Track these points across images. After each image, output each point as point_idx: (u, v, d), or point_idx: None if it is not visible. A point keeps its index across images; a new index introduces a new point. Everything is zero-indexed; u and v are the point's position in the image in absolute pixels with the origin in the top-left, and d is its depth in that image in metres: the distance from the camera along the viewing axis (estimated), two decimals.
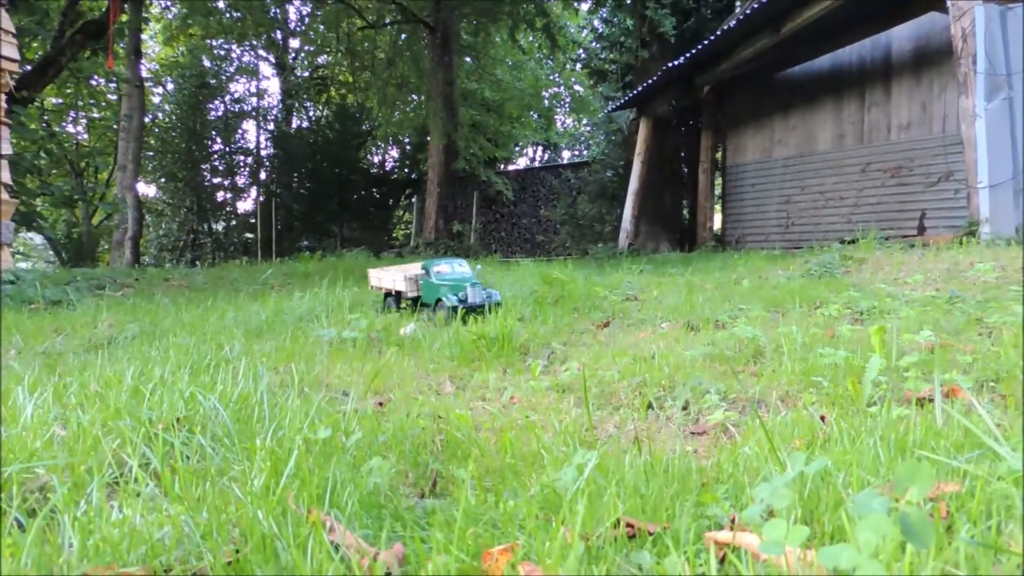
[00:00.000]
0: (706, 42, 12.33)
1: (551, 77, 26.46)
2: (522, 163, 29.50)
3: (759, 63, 13.04)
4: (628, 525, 1.40)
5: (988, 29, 8.47)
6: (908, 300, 5.17)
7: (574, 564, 1.14)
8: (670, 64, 13.24)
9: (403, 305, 6.34)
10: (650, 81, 13.87)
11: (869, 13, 10.78)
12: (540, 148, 30.10)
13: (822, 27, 11.27)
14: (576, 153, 28.02)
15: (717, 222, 15.73)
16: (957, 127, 9.68)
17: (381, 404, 3.07)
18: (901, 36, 11.15)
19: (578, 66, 22.86)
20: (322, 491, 1.65)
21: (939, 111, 10.55)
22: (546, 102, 26.98)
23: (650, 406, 2.93)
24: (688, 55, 12.72)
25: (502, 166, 25.28)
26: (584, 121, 28.13)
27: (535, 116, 26.49)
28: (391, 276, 6.59)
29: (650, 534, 1.38)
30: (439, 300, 5.79)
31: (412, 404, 2.95)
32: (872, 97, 11.70)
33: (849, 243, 8.89)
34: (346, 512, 1.55)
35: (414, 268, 6.70)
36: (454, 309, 5.51)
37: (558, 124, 29.17)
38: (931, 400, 2.64)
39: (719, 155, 15.55)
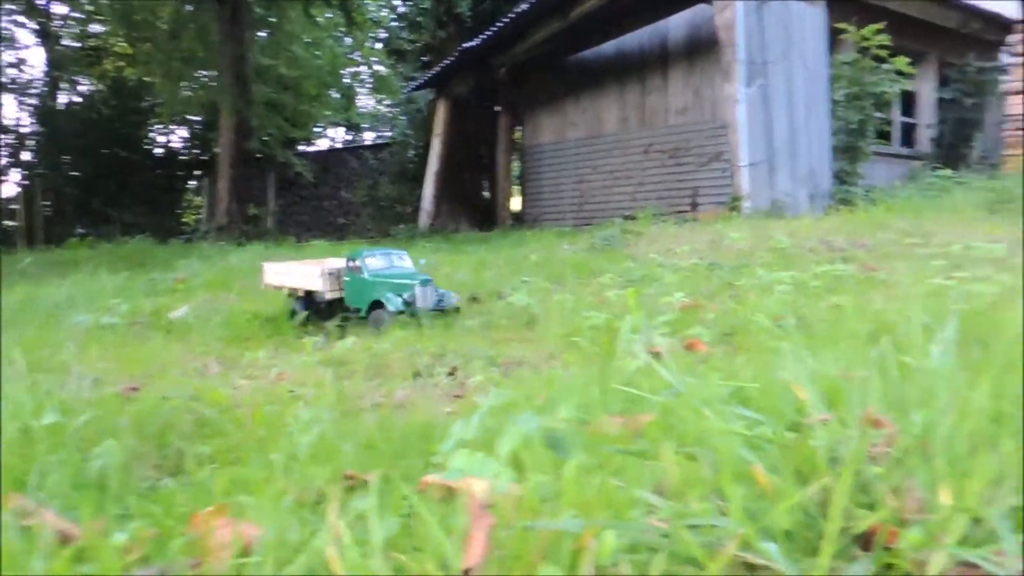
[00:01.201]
0: (500, 24, 12.51)
1: (351, 55, 25.80)
2: (324, 144, 28.59)
3: (552, 46, 13.44)
4: (349, 477, 1.41)
5: (747, 21, 9.25)
6: (675, 268, 5.55)
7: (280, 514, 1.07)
8: (466, 45, 13.32)
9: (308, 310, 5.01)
10: (447, 62, 13.88)
11: (648, 2, 11.42)
12: (343, 129, 29.33)
13: (607, 14, 11.80)
14: (379, 134, 27.59)
15: (519, 202, 16.13)
16: (724, 111, 10.52)
17: (135, 389, 2.84)
18: (677, 25, 11.92)
19: (378, 45, 22.47)
20: (25, 476, 1.51)
21: (710, 96, 11.40)
22: (347, 81, 26.29)
23: (419, 374, 2.90)
24: (483, 36, 12.86)
25: (302, 147, 24.35)
26: (387, 102, 27.76)
27: (336, 95, 25.74)
28: (300, 271, 5.25)
29: (366, 483, 1.35)
30: (377, 304, 4.65)
31: (171, 387, 2.76)
32: (652, 82, 12.44)
33: (630, 219, 9.43)
34: (59, 497, 1.43)
35: (333, 263, 5.33)
36: (400, 315, 4.47)
37: (361, 105, 28.55)
38: (674, 353, 2.80)
39: (517, 136, 15.90)
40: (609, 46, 13.18)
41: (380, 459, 1.42)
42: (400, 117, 20.15)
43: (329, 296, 4.96)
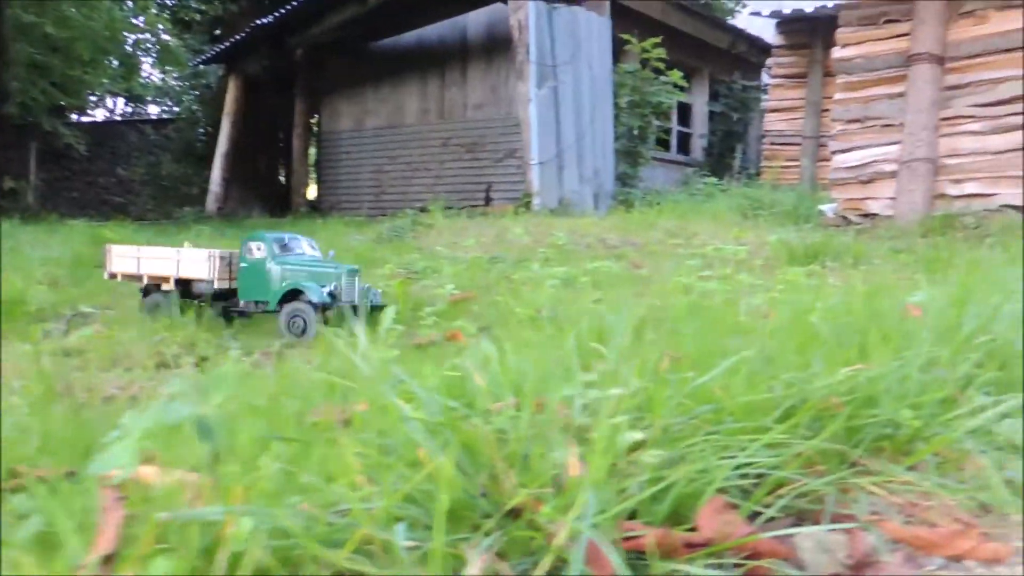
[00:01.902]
0: (296, 4, 12.06)
1: (133, 20, 23.73)
2: (100, 115, 26.09)
3: (351, 31, 13.16)
4: (18, 474, 1.29)
5: (538, 24, 9.60)
6: (457, 260, 5.65)
7: None
8: (260, 21, 12.71)
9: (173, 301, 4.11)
10: (239, 37, 13.18)
11: None
12: (123, 100, 26.91)
13: (407, 3, 11.74)
14: (165, 108, 25.62)
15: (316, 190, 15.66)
16: (517, 110, 10.86)
17: None
18: (477, 21, 12.12)
19: (164, 12, 20.82)
20: None
21: (506, 94, 11.71)
22: (128, 48, 24.13)
23: (165, 365, 2.74)
24: (277, 14, 12.34)
25: (74, 116, 22.06)
26: (175, 75, 25.83)
27: (115, 63, 23.55)
28: (173, 256, 4.40)
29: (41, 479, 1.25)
30: (290, 295, 4.00)
31: None
32: (451, 76, 12.57)
33: (422, 211, 9.49)
34: None
35: (215, 250, 4.47)
36: (323, 309, 3.83)
37: (146, 75, 26.32)
38: (433, 343, 2.86)
39: (315, 121, 15.43)
40: (411, 36, 13.14)
41: (66, 454, 1.32)
42: (189, 92, 18.86)
43: (218, 286, 4.25)
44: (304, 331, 3.79)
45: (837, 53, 8.11)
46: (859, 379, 1.26)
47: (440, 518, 0.74)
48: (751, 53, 14.91)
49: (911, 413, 1.21)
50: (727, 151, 14.34)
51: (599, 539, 0.80)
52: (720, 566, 0.94)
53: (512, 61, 10.96)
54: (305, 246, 4.55)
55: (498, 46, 11.73)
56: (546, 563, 0.79)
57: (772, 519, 1.09)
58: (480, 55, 12.14)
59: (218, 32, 15.68)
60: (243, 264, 4.23)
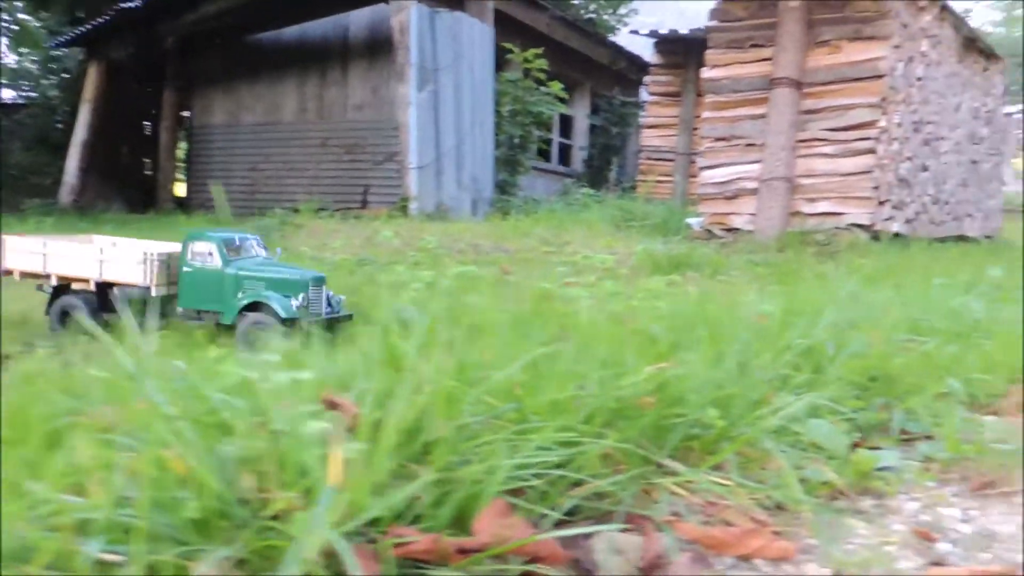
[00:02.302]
0: None
1: None
2: None
3: (227, 22, 12.62)
4: None
5: (421, 26, 9.51)
6: (323, 262, 5.47)
7: None
8: (125, 5, 11.99)
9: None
10: (102, 20, 12.38)
11: None
12: None
13: None
14: (20, 92, 23.77)
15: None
16: (397, 113, 10.71)
17: None
18: (359, 21, 11.88)
19: None
20: None
21: (387, 96, 11.52)
22: None
23: None
24: None
25: None
26: (34, 57, 24.03)
27: None
28: (91, 253, 3.63)
29: None
30: (251, 307, 3.48)
31: None
32: (332, 75, 12.27)
33: (294, 211, 9.19)
34: None
35: (151, 246, 3.76)
36: (289, 323, 3.31)
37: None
38: None
39: (187, 114, 14.70)
40: (291, 31, 12.74)
41: None
42: (47, 76, 17.58)
43: (156, 293, 3.55)
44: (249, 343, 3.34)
45: (706, 73, 8.45)
46: (666, 378, 1.25)
47: (184, 526, 0.65)
48: (631, 70, 15.36)
49: (716, 412, 1.21)
50: (606, 164, 14.71)
51: (344, 547, 0.73)
52: (504, 572, 0.89)
53: (393, 63, 10.81)
54: (255, 246, 3.97)
55: (380, 47, 11.55)
56: (292, 572, 0.71)
57: (566, 522, 1.05)
58: (362, 55, 11.92)
59: (80, 14, 14.68)
60: (186, 268, 3.54)
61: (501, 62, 11.20)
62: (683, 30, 11.98)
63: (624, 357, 1.37)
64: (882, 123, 7.54)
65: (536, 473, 1.01)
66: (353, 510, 0.78)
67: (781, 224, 7.86)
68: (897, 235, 8.08)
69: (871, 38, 7.55)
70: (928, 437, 1.46)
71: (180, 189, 15.44)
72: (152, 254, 3.62)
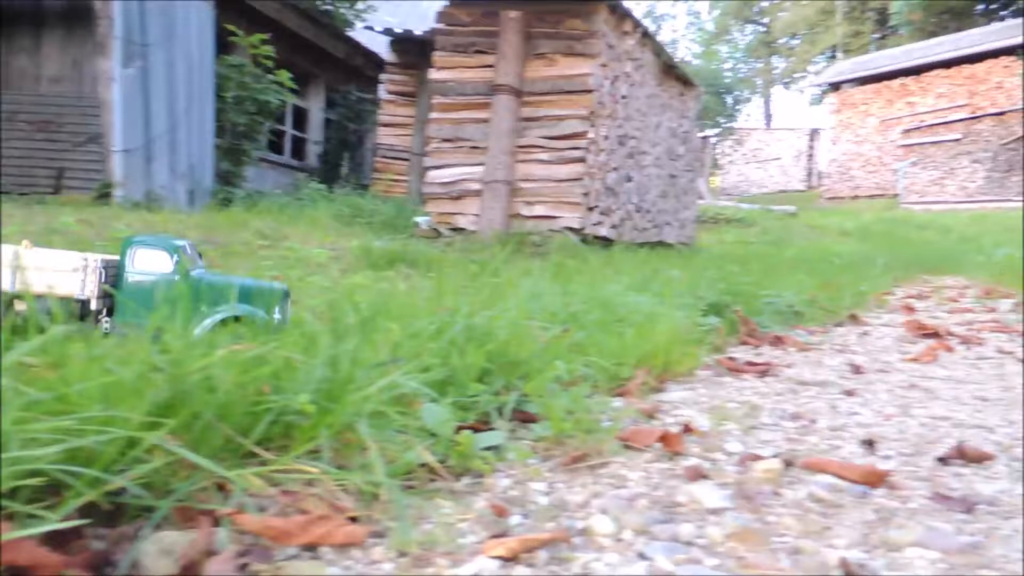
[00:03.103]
0: None
1: None
2: None
3: None
4: None
5: None
6: None
7: None
8: None
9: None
10: None
11: None
12: None
13: None
14: None
15: None
16: (100, 89, 9.63)
17: None
18: None
19: None
20: None
21: (91, 70, 10.33)
22: None
23: None
24: None
25: None
26: None
27: None
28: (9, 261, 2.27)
29: None
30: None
31: None
32: (21, 41, 10.73)
33: None
34: None
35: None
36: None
37: None
38: None
39: None
40: None
41: None
42: None
43: (96, 307, 2.42)
44: None
45: (433, 74, 8.59)
46: (249, 361, 1.18)
47: None
48: (368, 67, 15.23)
49: (308, 398, 1.16)
50: (340, 160, 14.44)
51: None
52: None
53: (95, 33, 9.71)
54: (192, 252, 3.15)
55: (81, 14, 10.32)
56: None
57: (110, 523, 0.94)
58: (58, 23, 10.55)
59: None
60: (131, 277, 2.60)
61: (226, 45, 10.52)
62: (418, 31, 12.10)
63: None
64: (591, 135, 8.15)
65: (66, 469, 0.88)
66: None
67: (502, 225, 8.20)
68: (604, 239, 8.80)
69: (581, 55, 8.13)
70: (544, 418, 1.54)
71: None
72: (93, 261, 2.87)
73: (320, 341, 1.33)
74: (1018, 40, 25.32)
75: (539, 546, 0.99)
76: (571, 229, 8.23)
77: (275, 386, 1.21)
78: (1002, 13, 36.20)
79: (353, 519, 1.04)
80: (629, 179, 9.67)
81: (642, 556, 0.99)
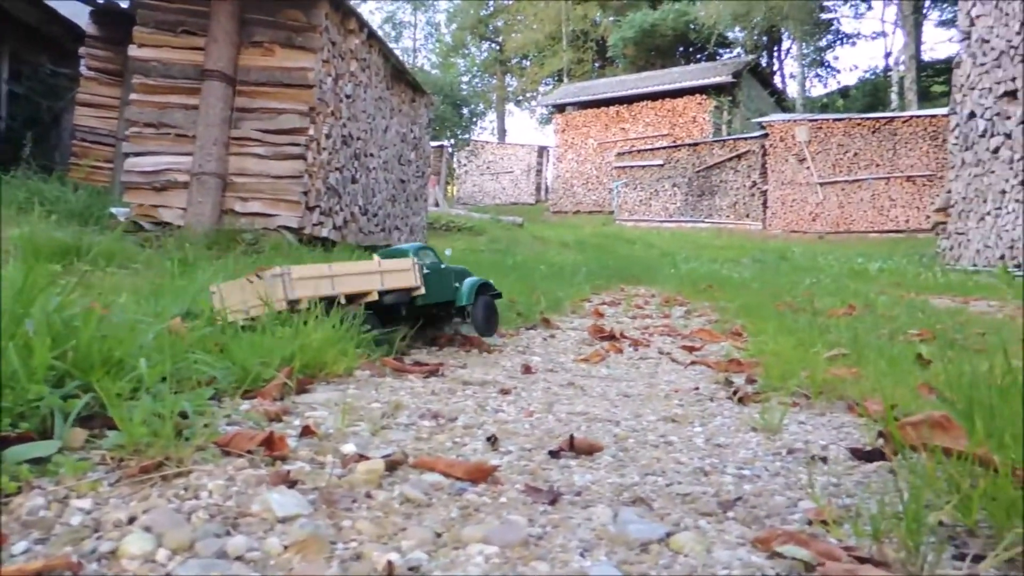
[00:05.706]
0: None
1: None
2: None
3: None
4: None
5: None
6: None
7: None
8: None
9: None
10: None
11: None
12: None
13: None
14: None
15: None
16: None
17: None
18: None
19: None
20: None
21: None
22: None
23: None
24: None
25: None
26: None
27: None
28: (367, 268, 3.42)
29: None
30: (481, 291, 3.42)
31: None
32: None
33: None
34: None
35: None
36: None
37: None
38: None
39: None
40: None
41: None
42: None
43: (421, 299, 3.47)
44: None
45: (133, 52, 7.78)
46: None
47: None
48: (66, 39, 13.51)
49: None
50: (25, 139, 12.63)
51: None
52: None
53: None
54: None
55: None
56: None
57: None
58: None
59: None
60: (426, 269, 3.73)
61: None
62: (124, 2, 10.94)
63: None
64: (311, 132, 7.87)
65: None
66: None
67: (213, 221, 7.64)
68: (325, 240, 8.55)
69: (301, 48, 7.83)
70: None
71: None
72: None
73: None
74: (709, 81, 29.04)
75: None
76: (289, 228, 7.88)
77: None
78: (698, 56, 41.39)
79: None
80: (354, 180, 9.51)
81: None
